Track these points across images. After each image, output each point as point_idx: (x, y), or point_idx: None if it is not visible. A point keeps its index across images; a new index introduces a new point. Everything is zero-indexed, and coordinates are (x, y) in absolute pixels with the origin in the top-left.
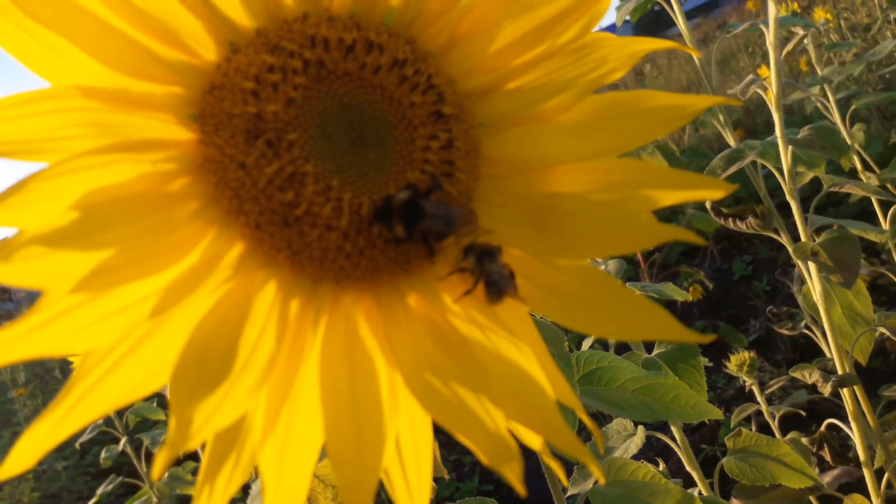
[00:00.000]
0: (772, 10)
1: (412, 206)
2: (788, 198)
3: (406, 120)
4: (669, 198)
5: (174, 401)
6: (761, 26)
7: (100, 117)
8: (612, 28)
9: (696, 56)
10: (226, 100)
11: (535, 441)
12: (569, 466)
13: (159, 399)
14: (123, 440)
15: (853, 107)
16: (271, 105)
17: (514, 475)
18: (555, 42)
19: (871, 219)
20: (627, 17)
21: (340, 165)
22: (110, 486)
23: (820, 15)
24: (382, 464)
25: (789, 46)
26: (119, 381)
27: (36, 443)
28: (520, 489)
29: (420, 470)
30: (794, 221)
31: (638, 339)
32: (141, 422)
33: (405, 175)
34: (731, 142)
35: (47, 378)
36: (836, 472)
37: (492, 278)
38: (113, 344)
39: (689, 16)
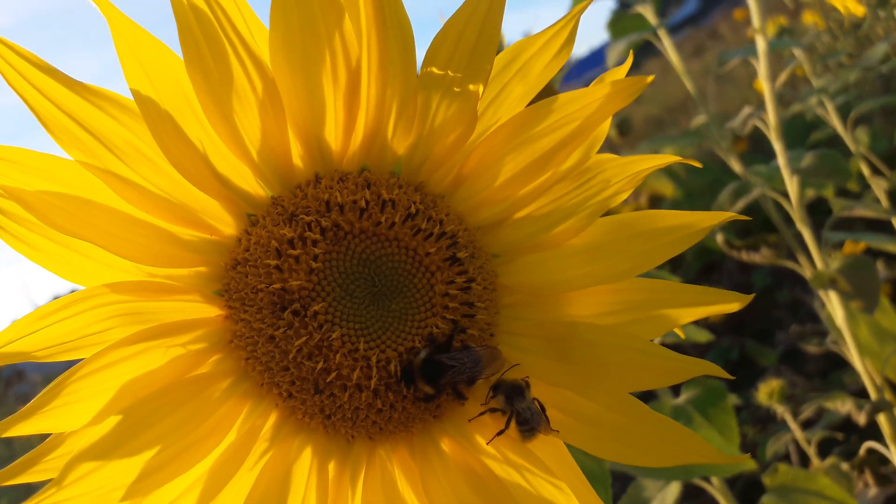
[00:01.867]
0: (760, 43)
1: (432, 365)
2: (799, 226)
3: (423, 267)
4: (689, 315)
5: None
6: (751, 59)
7: (129, 307)
8: (600, 51)
9: (697, 166)
10: (250, 275)
11: None
12: None
13: None
14: None
15: (852, 115)
16: (295, 279)
17: None
18: (558, 169)
19: (885, 226)
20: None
21: (365, 323)
22: None
23: (809, 19)
24: None
25: (782, 77)
26: None
27: None
28: None
29: None
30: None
31: (673, 464)
32: None
33: (428, 322)
34: (735, 166)
35: None
36: (874, 491)
37: (523, 416)
38: None
39: (678, 27)
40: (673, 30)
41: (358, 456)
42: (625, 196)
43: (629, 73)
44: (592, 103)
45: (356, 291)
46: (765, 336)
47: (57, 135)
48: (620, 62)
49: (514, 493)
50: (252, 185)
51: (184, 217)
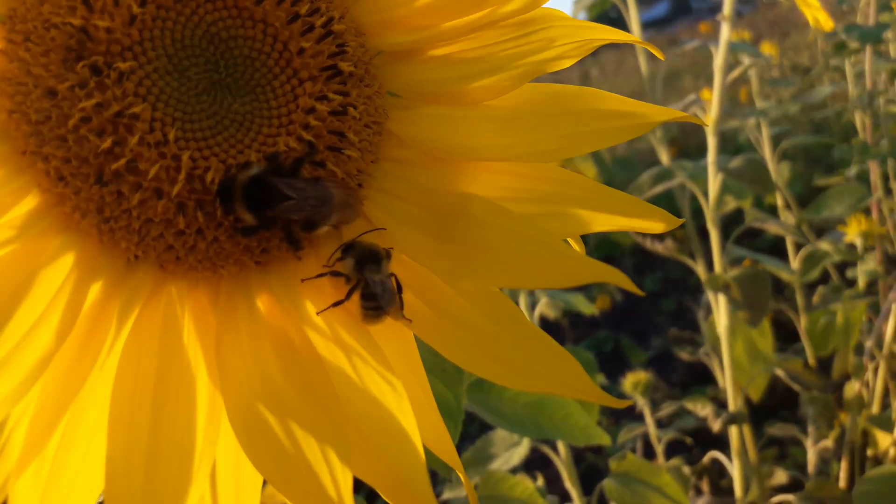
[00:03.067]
0: (724, 31)
1: (262, 186)
2: (710, 225)
3: (291, 69)
4: (602, 222)
5: None
6: (711, 47)
7: None
8: None
9: (660, 57)
10: (46, 2)
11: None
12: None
13: None
14: None
15: (783, 145)
16: (104, 20)
17: None
18: (497, 10)
19: (783, 254)
20: (583, 13)
21: (188, 114)
22: None
23: (766, 49)
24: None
25: (735, 73)
26: None
27: None
28: None
29: None
30: (711, 248)
31: (543, 391)
32: None
33: (276, 138)
34: (664, 159)
35: None
36: (706, 499)
37: (372, 290)
38: None
39: (643, 27)
40: None
41: (139, 285)
42: (568, 63)
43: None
44: None
45: (190, 71)
46: (641, 338)
47: None
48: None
49: (333, 379)
50: None
51: None
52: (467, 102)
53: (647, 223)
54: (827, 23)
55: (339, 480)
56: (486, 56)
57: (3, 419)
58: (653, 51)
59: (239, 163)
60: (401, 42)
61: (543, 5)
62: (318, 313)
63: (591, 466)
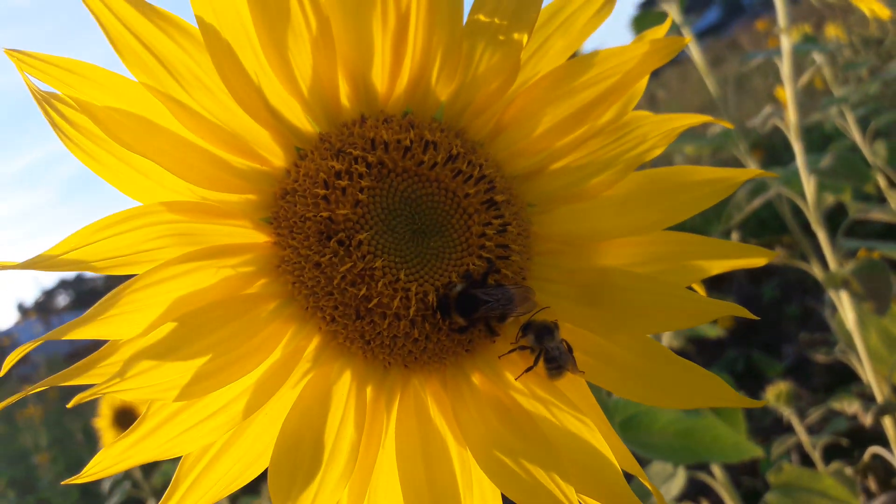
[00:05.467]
0: (784, 43)
1: (467, 298)
2: (815, 227)
3: (461, 209)
4: (716, 267)
5: (275, 494)
6: (775, 59)
7: (183, 227)
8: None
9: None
10: (298, 204)
11: None
12: None
13: None
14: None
15: (872, 126)
16: (342, 209)
17: None
18: (595, 123)
19: None
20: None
21: (405, 256)
22: None
23: (832, 32)
24: None
25: (804, 78)
26: (217, 477)
27: None
28: None
29: None
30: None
31: (695, 406)
32: (168, 482)
33: (464, 261)
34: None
35: (68, 442)
36: (882, 499)
37: (551, 354)
38: (211, 442)
39: (698, 37)
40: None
41: (393, 382)
42: (659, 151)
43: (684, 40)
44: (631, 59)
45: (398, 227)
46: (772, 348)
47: (125, 56)
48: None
49: (540, 426)
50: (301, 119)
51: (236, 145)
52: (587, 197)
53: (749, 261)
54: (883, 11)
55: (566, 492)
56: (594, 160)
57: (338, 500)
58: (723, 123)
59: (444, 283)
60: (528, 165)
61: (633, 107)
62: (516, 379)
63: (749, 491)
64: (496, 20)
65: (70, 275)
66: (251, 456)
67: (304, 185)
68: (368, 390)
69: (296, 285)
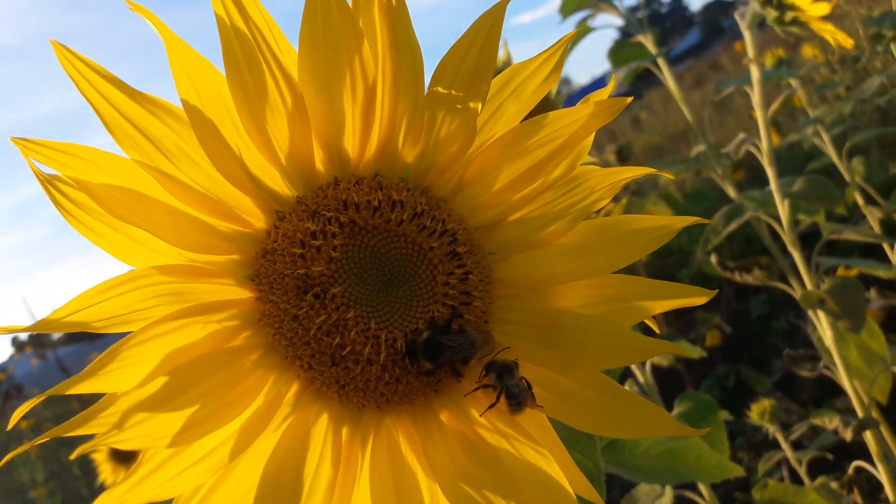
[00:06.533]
0: (754, 73)
1: (433, 344)
2: (790, 248)
3: (427, 260)
4: (658, 307)
5: None
6: (746, 88)
7: (173, 287)
8: (601, 80)
9: (689, 118)
10: (277, 262)
11: None
12: None
13: None
14: None
15: (847, 144)
16: (317, 265)
17: None
18: (548, 178)
19: (877, 251)
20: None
21: (375, 306)
22: None
23: (808, 52)
24: None
25: (775, 105)
26: None
27: None
28: None
29: None
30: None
31: (641, 437)
32: None
33: (430, 308)
34: (730, 192)
35: (65, 476)
36: None
37: (511, 392)
38: (201, 484)
39: (679, 58)
40: (675, 60)
41: (367, 423)
42: (605, 202)
43: (626, 100)
44: (578, 120)
45: (369, 279)
46: (761, 363)
47: (118, 137)
48: (621, 90)
49: (503, 458)
50: (280, 185)
51: (221, 211)
52: (542, 245)
53: (690, 300)
54: (846, 41)
55: None
56: (547, 211)
57: None
58: (665, 175)
59: (412, 329)
60: (488, 217)
61: (581, 162)
62: (480, 415)
63: None
64: (453, 91)
65: None
66: (238, 494)
67: (283, 245)
68: (344, 431)
69: (276, 336)
